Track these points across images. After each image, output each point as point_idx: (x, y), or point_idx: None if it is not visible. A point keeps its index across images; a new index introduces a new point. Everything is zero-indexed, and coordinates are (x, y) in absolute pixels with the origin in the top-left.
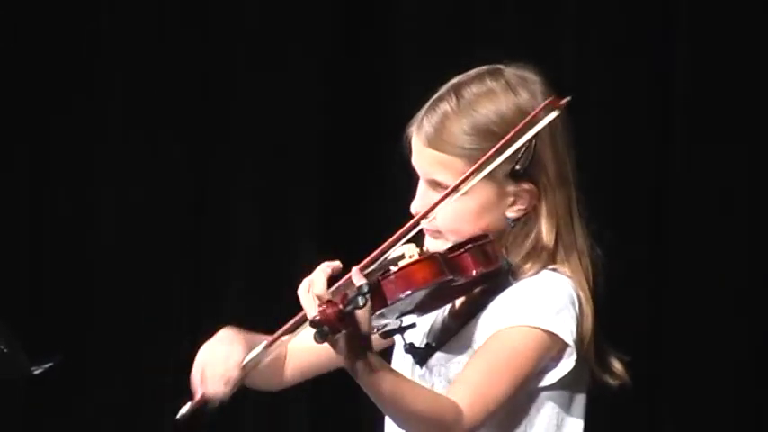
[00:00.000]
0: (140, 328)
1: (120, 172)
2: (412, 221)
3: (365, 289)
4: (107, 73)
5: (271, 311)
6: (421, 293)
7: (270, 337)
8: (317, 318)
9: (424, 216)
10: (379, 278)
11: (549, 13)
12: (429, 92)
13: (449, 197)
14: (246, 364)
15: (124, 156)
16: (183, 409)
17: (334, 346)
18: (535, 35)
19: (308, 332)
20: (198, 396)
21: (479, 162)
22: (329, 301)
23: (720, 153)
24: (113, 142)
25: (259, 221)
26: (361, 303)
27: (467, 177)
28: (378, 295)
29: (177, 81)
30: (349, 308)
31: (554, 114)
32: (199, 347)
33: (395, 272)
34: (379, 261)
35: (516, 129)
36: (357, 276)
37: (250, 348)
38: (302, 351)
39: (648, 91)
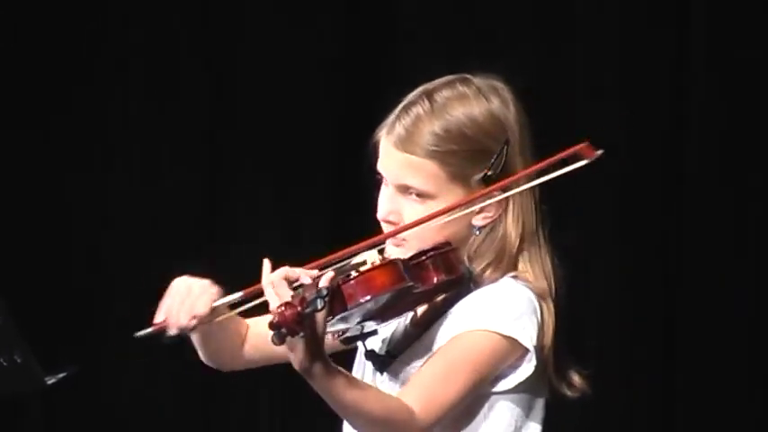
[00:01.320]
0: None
1: (130, 176)
2: (387, 234)
3: (324, 292)
4: (112, 67)
5: None
6: (381, 299)
7: (246, 292)
8: (275, 320)
9: (406, 228)
10: (340, 282)
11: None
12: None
13: (413, 198)
14: (217, 306)
15: (133, 156)
16: (144, 331)
17: (290, 347)
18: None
19: (263, 319)
20: (161, 321)
21: (491, 188)
22: (288, 303)
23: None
24: (121, 142)
25: (271, 222)
26: (319, 306)
27: (470, 201)
28: (337, 300)
29: (185, 78)
30: (308, 310)
31: (582, 163)
32: None
33: (355, 277)
34: (338, 266)
35: (542, 164)
36: (317, 281)
37: (223, 296)
38: (260, 337)
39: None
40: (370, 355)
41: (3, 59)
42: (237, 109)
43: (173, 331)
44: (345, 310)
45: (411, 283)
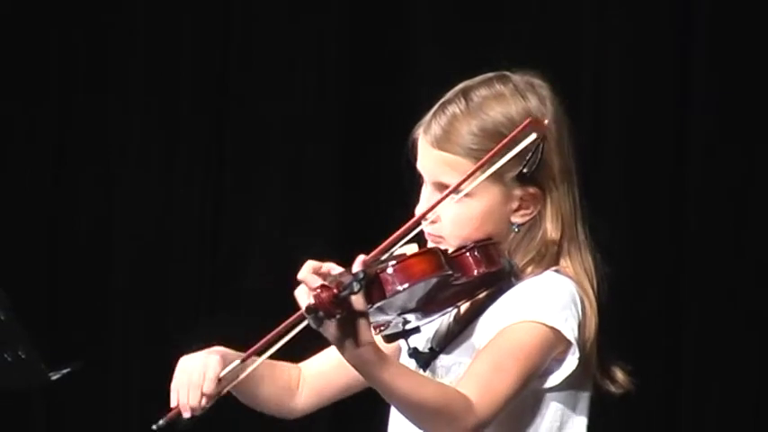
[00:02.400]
0: (157, 332)
1: (137, 175)
2: (413, 220)
3: (360, 275)
4: (123, 65)
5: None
6: (420, 288)
7: (245, 354)
8: (312, 303)
9: (425, 214)
10: (378, 271)
11: None
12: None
13: (450, 196)
14: (224, 377)
15: (141, 155)
16: (160, 421)
17: (332, 335)
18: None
19: (318, 356)
20: (174, 407)
21: (483, 161)
22: (323, 286)
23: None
24: (129, 141)
25: (278, 224)
26: (356, 289)
27: (469, 176)
28: (376, 288)
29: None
30: (344, 293)
31: (532, 137)
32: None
33: (393, 264)
34: (380, 258)
35: (519, 128)
36: (354, 266)
37: (228, 363)
38: (317, 374)
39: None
40: (413, 352)
41: (6, 55)
42: (242, 106)
43: (187, 414)
44: (384, 298)
45: (450, 272)
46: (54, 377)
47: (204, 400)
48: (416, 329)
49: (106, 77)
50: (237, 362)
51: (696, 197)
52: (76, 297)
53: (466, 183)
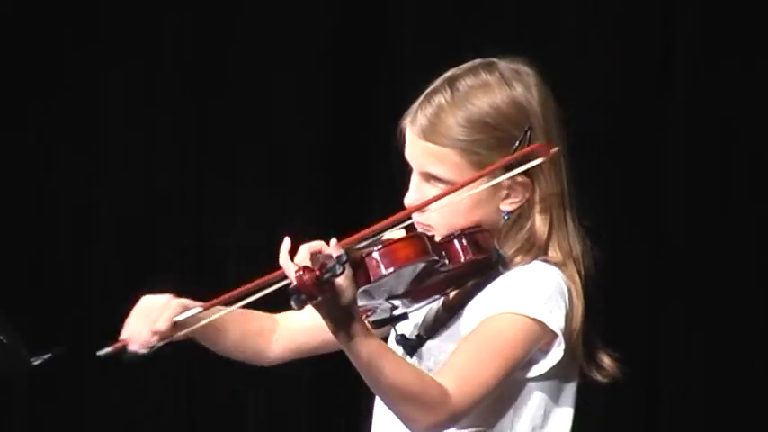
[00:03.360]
0: None
1: (119, 161)
2: (405, 211)
3: (343, 258)
4: (108, 52)
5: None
6: (405, 273)
7: (207, 303)
8: (294, 284)
9: (419, 208)
10: (364, 254)
11: None
12: (428, 81)
13: (448, 196)
14: (180, 321)
15: (122, 142)
16: (106, 349)
17: (320, 314)
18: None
19: (299, 313)
20: (123, 339)
21: (490, 169)
22: (306, 267)
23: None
24: (113, 126)
25: (261, 206)
26: (338, 271)
27: (472, 181)
28: (361, 271)
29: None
30: (327, 275)
31: (538, 161)
32: None
33: (379, 248)
34: (365, 242)
35: (530, 147)
36: (335, 247)
37: (186, 309)
38: (294, 329)
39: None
40: (400, 338)
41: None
42: (228, 94)
43: (133, 347)
44: (369, 281)
45: (436, 258)
46: (36, 363)
47: (154, 338)
48: (404, 316)
49: (90, 64)
50: (198, 309)
51: (677, 191)
52: (59, 283)
53: (464, 189)
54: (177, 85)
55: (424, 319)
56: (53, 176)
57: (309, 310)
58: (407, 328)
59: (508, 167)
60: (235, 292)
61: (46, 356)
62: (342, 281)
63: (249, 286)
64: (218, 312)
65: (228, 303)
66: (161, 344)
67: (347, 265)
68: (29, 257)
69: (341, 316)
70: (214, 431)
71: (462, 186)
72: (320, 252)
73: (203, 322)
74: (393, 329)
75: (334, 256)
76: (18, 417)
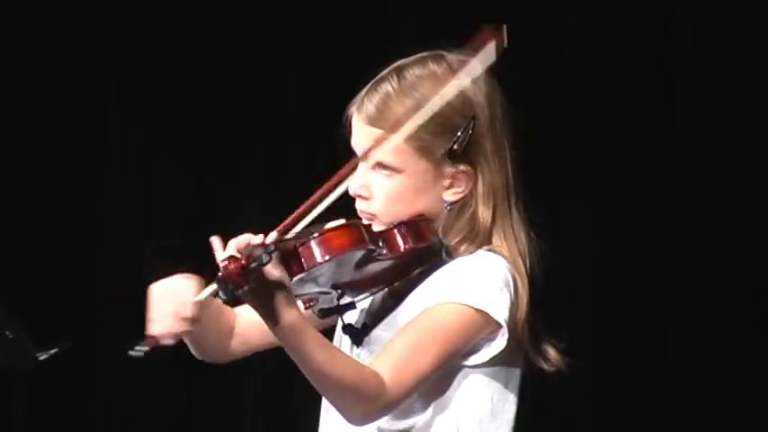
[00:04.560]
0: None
1: (122, 150)
2: (324, 186)
3: (271, 247)
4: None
5: None
6: (341, 261)
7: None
8: (220, 274)
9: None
10: (297, 244)
11: None
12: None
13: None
14: (200, 300)
15: (124, 137)
16: (140, 348)
17: (249, 303)
18: None
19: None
20: (151, 334)
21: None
22: (232, 257)
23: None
24: (114, 119)
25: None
26: (264, 260)
27: (403, 119)
28: (295, 260)
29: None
30: (253, 264)
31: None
32: None
33: (313, 237)
34: (299, 228)
35: (465, 64)
36: (264, 238)
37: (203, 286)
38: (250, 323)
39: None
40: (347, 328)
41: None
42: (229, 91)
43: (170, 341)
44: (303, 270)
45: (372, 247)
46: (41, 357)
47: (186, 325)
48: (351, 305)
49: (90, 68)
50: (214, 285)
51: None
52: (62, 281)
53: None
54: (177, 84)
55: (369, 308)
56: (52, 176)
57: None
58: (354, 317)
59: (452, 153)
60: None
61: (52, 351)
62: (269, 269)
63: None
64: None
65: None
66: (191, 328)
67: (275, 255)
68: (32, 254)
69: (269, 305)
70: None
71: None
72: (248, 244)
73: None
74: (340, 318)
75: (262, 246)
76: (19, 411)
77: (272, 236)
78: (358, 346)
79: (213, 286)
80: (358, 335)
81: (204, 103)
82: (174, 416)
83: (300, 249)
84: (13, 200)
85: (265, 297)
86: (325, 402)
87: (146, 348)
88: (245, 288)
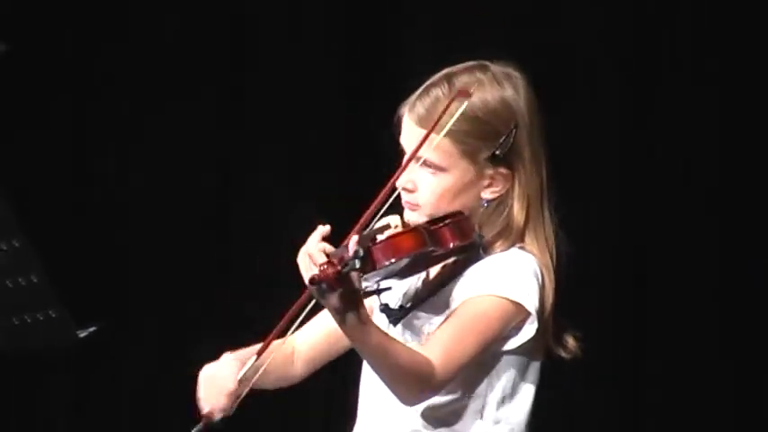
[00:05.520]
0: (175, 293)
1: (155, 145)
2: (387, 187)
3: (361, 253)
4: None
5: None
6: (404, 261)
7: (258, 347)
8: (317, 276)
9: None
10: (370, 245)
11: None
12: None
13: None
14: (242, 376)
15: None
16: (196, 428)
17: (329, 303)
18: None
19: (307, 328)
20: (205, 413)
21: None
22: (329, 262)
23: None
24: (138, 115)
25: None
26: (357, 266)
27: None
28: (368, 260)
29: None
30: (346, 269)
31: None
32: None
33: (384, 240)
34: (368, 228)
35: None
36: (354, 243)
37: (243, 363)
38: (309, 345)
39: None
40: (385, 308)
41: (17, 54)
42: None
43: (218, 416)
44: (374, 269)
45: (432, 248)
46: (81, 335)
47: (232, 400)
48: (389, 288)
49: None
50: (253, 358)
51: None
52: (97, 258)
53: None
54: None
55: (406, 292)
56: (88, 165)
57: (313, 323)
58: (391, 298)
59: (493, 157)
60: (274, 332)
61: (91, 329)
62: (356, 274)
63: (284, 320)
64: (272, 355)
65: (274, 336)
66: (238, 402)
67: (362, 260)
68: (75, 238)
69: (352, 306)
70: None
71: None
72: (339, 248)
73: (263, 368)
74: (378, 299)
75: (352, 251)
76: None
77: (354, 240)
78: (395, 326)
79: (251, 361)
80: (396, 316)
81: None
82: None
83: (373, 250)
84: (50, 188)
85: (348, 300)
86: (362, 402)
87: (200, 427)
88: (340, 291)
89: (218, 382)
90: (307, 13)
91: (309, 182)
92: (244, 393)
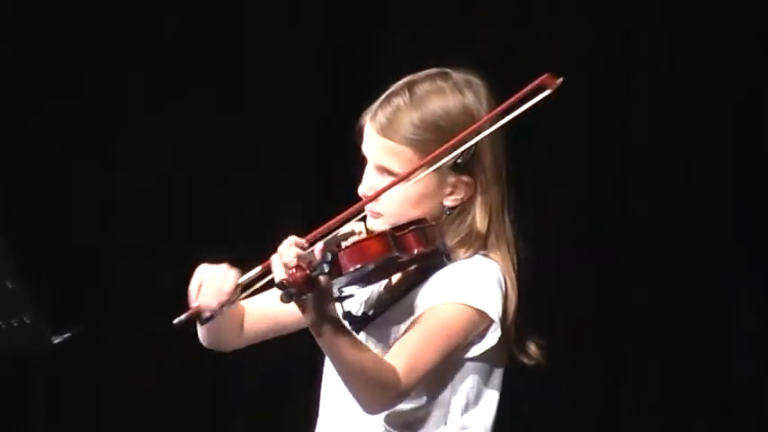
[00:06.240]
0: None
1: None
2: (360, 203)
3: (329, 257)
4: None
5: None
6: (370, 266)
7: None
8: (286, 280)
9: (373, 198)
10: (337, 250)
11: None
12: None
13: (399, 184)
14: (241, 283)
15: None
16: (181, 317)
17: (301, 306)
18: None
19: (267, 295)
20: (193, 306)
21: (431, 156)
22: (298, 266)
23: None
24: (132, 118)
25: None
26: (326, 270)
27: (417, 169)
28: (335, 266)
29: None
30: (315, 273)
31: (545, 93)
32: None
33: (350, 246)
34: (330, 235)
35: (467, 131)
36: (321, 248)
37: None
38: (260, 313)
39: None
40: (347, 315)
41: (13, 53)
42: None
43: (206, 314)
44: (341, 275)
45: (397, 254)
46: (56, 341)
47: (224, 300)
48: (351, 295)
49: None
50: (258, 269)
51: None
52: (73, 261)
53: (412, 176)
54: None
55: (368, 299)
56: (69, 168)
57: (271, 298)
58: (353, 305)
59: (455, 165)
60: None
61: (66, 335)
62: (326, 278)
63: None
64: (268, 276)
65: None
66: (227, 308)
67: (331, 264)
68: (50, 243)
69: (322, 310)
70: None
71: (408, 176)
72: (306, 252)
73: (260, 283)
74: (341, 306)
75: (320, 256)
76: (39, 394)
77: (320, 245)
78: (357, 333)
79: (256, 271)
80: (359, 323)
81: (205, 104)
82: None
83: (340, 255)
84: (30, 189)
85: (318, 303)
86: (323, 405)
87: (185, 318)
88: (309, 295)
89: (217, 283)
90: (290, 16)
91: (293, 183)
92: (234, 303)
